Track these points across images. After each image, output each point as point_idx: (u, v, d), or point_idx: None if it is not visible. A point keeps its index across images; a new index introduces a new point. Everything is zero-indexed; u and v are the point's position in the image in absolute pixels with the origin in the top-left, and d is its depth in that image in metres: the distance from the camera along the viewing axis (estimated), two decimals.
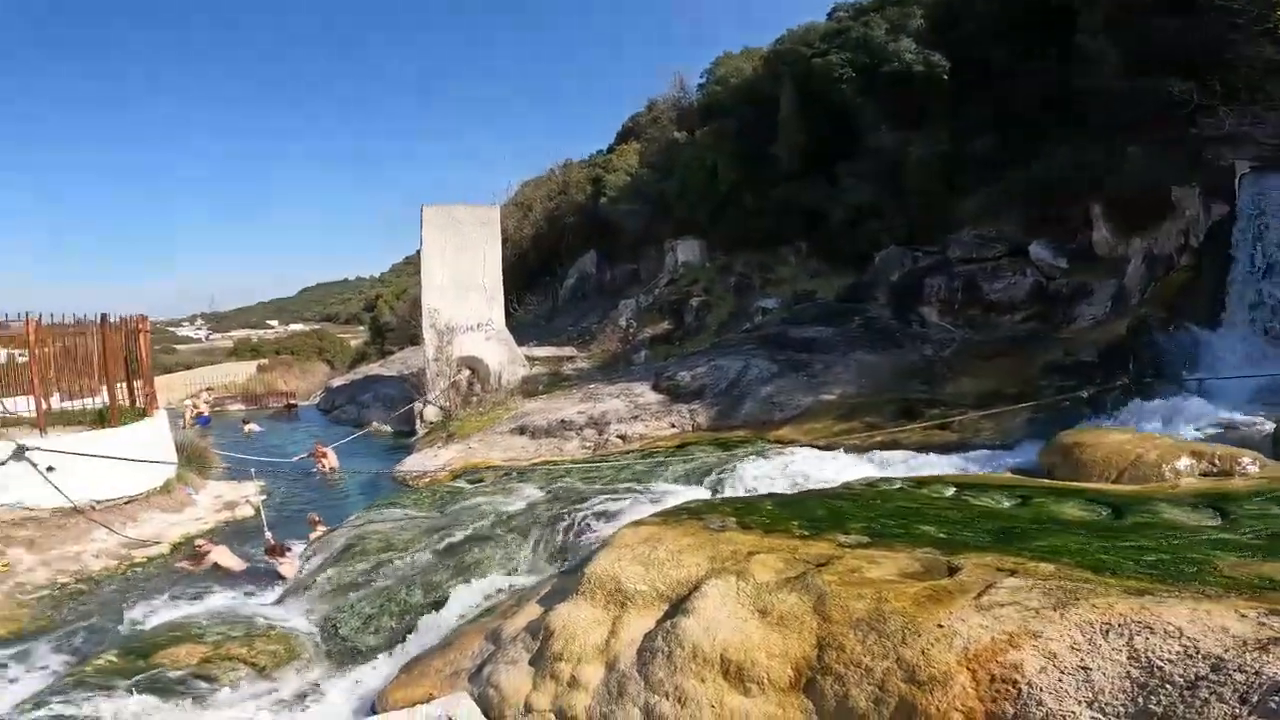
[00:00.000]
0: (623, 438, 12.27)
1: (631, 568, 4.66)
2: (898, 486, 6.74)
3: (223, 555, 7.95)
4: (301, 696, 5.18)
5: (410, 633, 5.86)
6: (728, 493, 8.23)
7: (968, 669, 2.97)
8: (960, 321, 14.24)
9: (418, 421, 15.71)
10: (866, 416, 10.56)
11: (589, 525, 7.21)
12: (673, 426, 12.52)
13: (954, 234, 15.55)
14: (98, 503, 8.91)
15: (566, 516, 7.53)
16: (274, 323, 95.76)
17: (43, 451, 8.50)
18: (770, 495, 6.95)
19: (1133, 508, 5.29)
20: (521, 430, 12.90)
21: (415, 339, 20.11)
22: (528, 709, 4.18)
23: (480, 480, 10.65)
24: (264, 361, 35.80)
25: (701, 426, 12.35)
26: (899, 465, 8.69)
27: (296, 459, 13.16)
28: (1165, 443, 7.19)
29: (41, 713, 4.70)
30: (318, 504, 10.72)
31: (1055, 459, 7.57)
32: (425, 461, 12.41)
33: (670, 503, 7.17)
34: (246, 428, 18.27)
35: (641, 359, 17.88)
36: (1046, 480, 6.91)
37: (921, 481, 6.91)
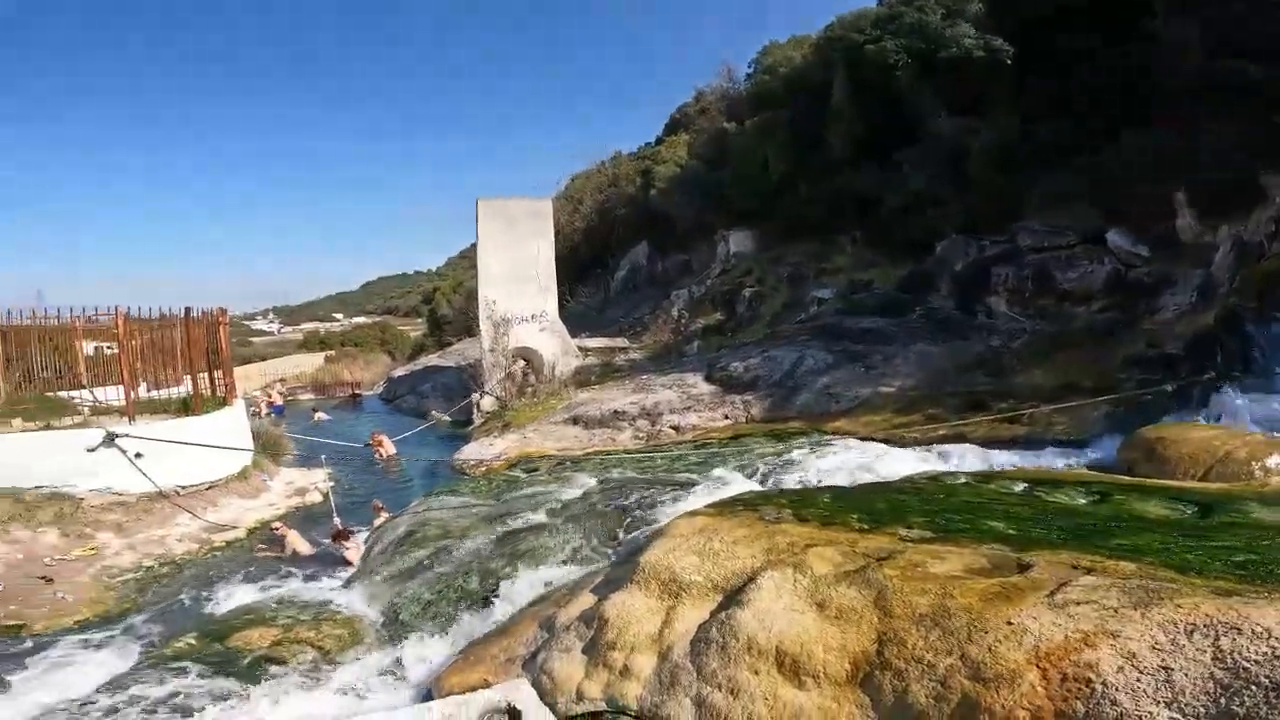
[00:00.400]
0: (675, 428, 12.25)
1: (686, 558, 4.65)
2: (963, 481, 6.51)
3: (295, 540, 8.32)
4: (363, 680, 5.31)
5: (468, 619, 5.96)
6: (782, 484, 8.11)
7: (1038, 667, 2.89)
8: (1031, 312, 13.60)
9: (474, 411, 16.08)
10: (928, 409, 10.23)
11: (642, 515, 7.20)
12: (726, 417, 12.43)
13: (1021, 222, 14.87)
14: (181, 488, 9.41)
15: (620, 506, 7.55)
16: (339, 315, 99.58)
17: (131, 438, 9.01)
18: (827, 487, 6.82)
19: (1220, 506, 5.01)
20: (575, 420, 13.03)
21: (472, 330, 20.61)
22: (579, 696, 4.22)
23: (535, 469, 10.80)
24: (331, 353, 37.32)
25: (755, 418, 12.21)
26: (964, 459, 8.40)
27: (364, 445, 13.65)
28: (1256, 439, 6.77)
29: (121, 695, 4.90)
30: (380, 491, 11.08)
31: (1136, 455, 7.20)
32: (482, 450, 12.66)
33: (724, 494, 7.11)
34: (316, 416, 19.11)
35: (694, 350, 17.79)
36: (1126, 477, 6.57)
37: (989, 476, 6.66)
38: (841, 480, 7.86)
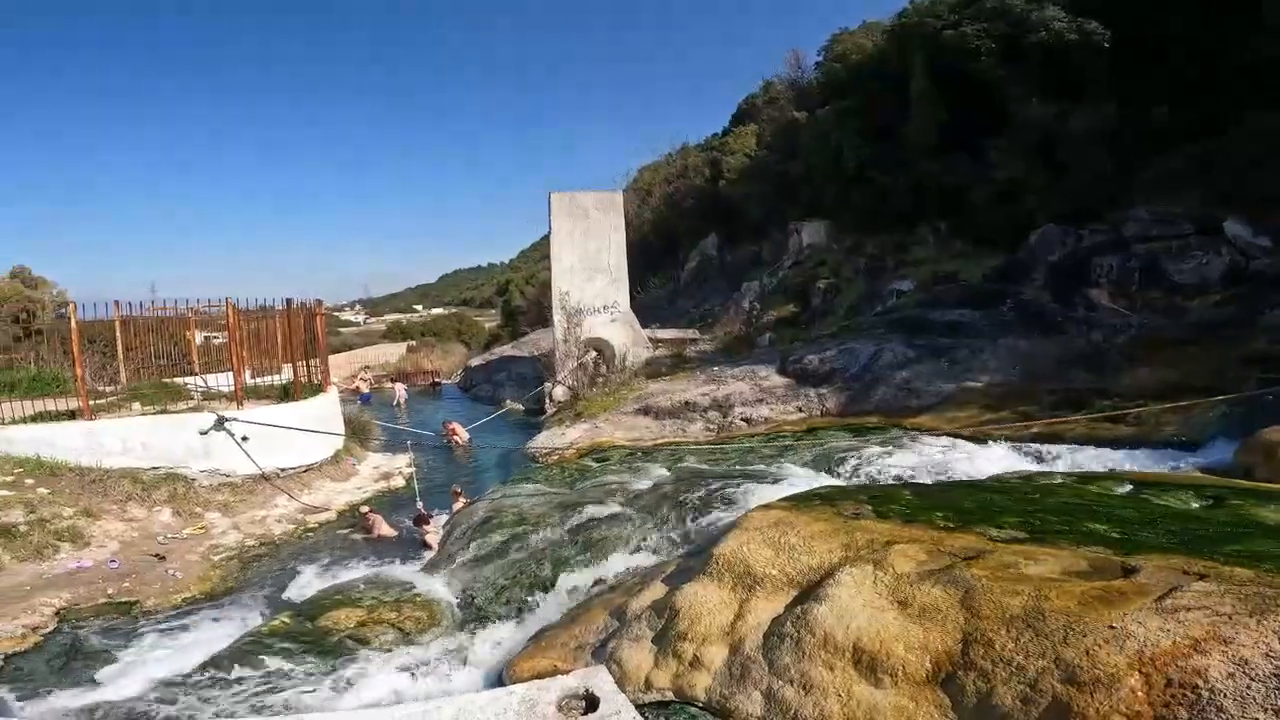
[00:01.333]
0: (747, 420, 12.11)
1: (761, 551, 4.59)
2: (1059, 481, 6.15)
3: (381, 523, 8.70)
4: (439, 662, 5.49)
5: (539, 605, 6.10)
6: (860, 480, 7.89)
7: (1140, 672, 2.80)
8: (1137, 305, 12.64)
9: (547, 400, 16.41)
10: (1020, 406, 9.66)
11: (714, 507, 7.15)
12: (799, 411, 12.18)
13: (1126, 210, 13.84)
14: (281, 471, 9.92)
15: (691, 497, 7.51)
16: (419, 307, 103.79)
17: (239, 423, 9.54)
18: (908, 484, 6.59)
19: None
20: (646, 411, 13.08)
21: (545, 321, 21.02)
22: (648, 686, 4.25)
23: (606, 459, 10.89)
24: (412, 343, 38.87)
25: (830, 411, 11.91)
26: (1061, 459, 7.91)
27: (437, 434, 14.18)
28: None
29: (220, 673, 5.20)
30: (458, 477, 11.46)
31: (1255, 458, 6.65)
32: (554, 439, 12.89)
33: (799, 488, 6.98)
34: (399, 402, 20.02)
35: (766, 342, 17.53)
36: (1244, 481, 6.06)
37: (1090, 477, 6.25)
38: (923, 477, 7.58)
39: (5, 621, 5.97)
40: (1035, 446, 8.34)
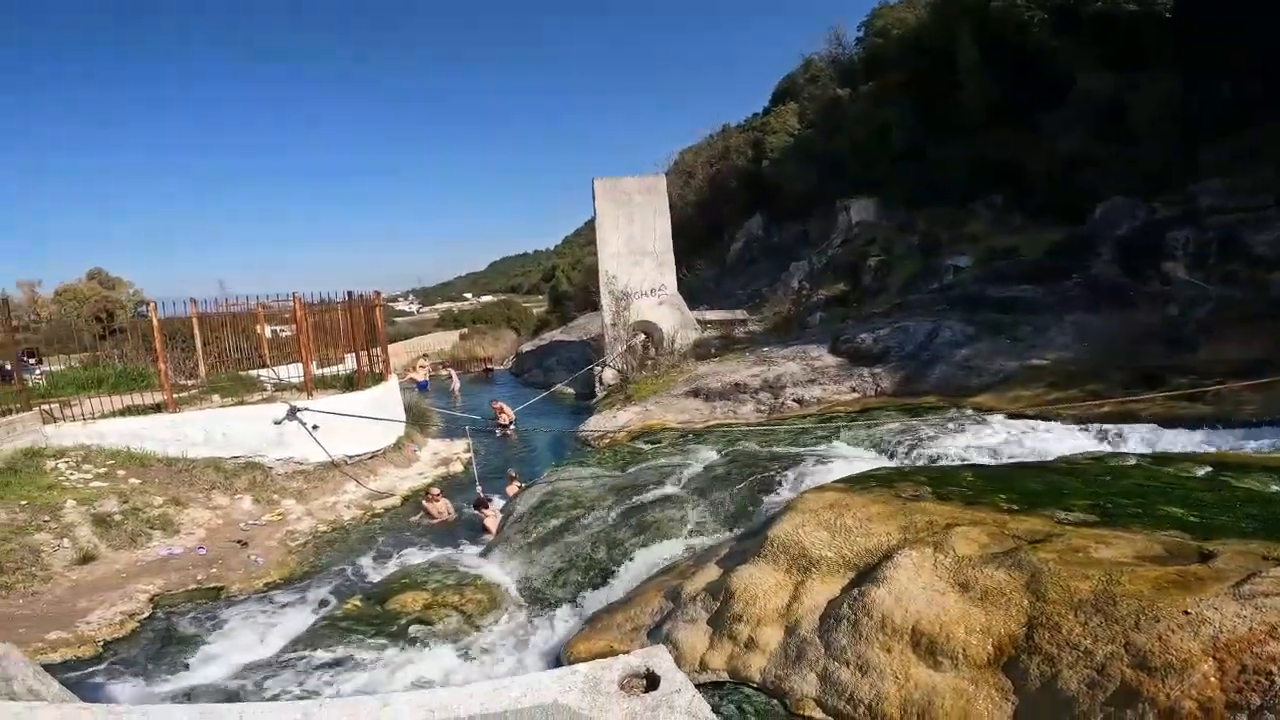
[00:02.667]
0: (799, 401, 11.98)
1: (816, 533, 4.60)
2: (1132, 463, 5.90)
3: (445, 507, 8.99)
4: (500, 644, 5.67)
5: (595, 588, 6.22)
6: (918, 461, 7.73)
7: (1214, 658, 2.76)
8: (1215, 279, 11.89)
9: (597, 384, 16.59)
10: (1089, 385, 9.21)
11: (768, 489, 7.16)
12: (853, 391, 11.98)
13: (1197, 183, 13.07)
14: (348, 458, 10.28)
15: (744, 479, 7.53)
16: (469, 295, 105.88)
17: (310, 412, 9.92)
18: (969, 465, 6.43)
19: None
20: (696, 393, 13.08)
21: (593, 305, 21.19)
22: (703, 666, 4.33)
23: (658, 441, 10.95)
24: (464, 330, 39.78)
25: (885, 391, 11.67)
26: (1134, 440, 7.54)
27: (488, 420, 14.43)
28: None
29: (300, 656, 5.43)
30: (514, 461, 11.70)
31: None
32: (605, 422, 13.03)
33: (854, 469, 6.91)
34: (454, 388, 20.56)
35: (816, 321, 17.24)
36: None
37: (1165, 458, 5.98)
38: (985, 459, 7.38)
39: (105, 609, 6.37)
40: (1106, 426, 7.97)
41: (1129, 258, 13.19)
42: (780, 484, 7.15)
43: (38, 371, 12.14)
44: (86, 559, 7.18)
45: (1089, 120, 15.13)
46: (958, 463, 7.25)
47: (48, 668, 3.79)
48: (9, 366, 10.45)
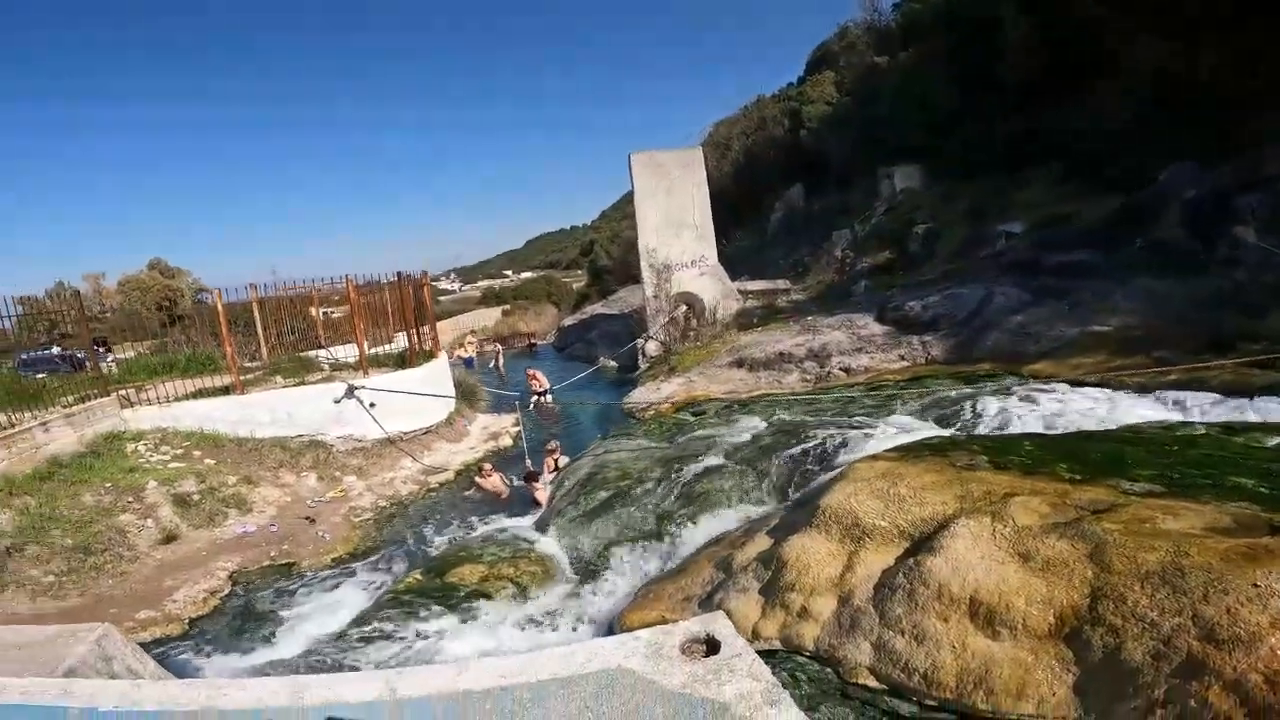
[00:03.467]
0: (846, 370, 11.83)
1: (869, 502, 4.60)
2: (1201, 432, 5.70)
3: (498, 481, 9.21)
4: (554, 614, 5.79)
5: (645, 559, 6.32)
6: (974, 430, 7.57)
7: None
8: None
9: (640, 356, 16.66)
10: (1155, 351, 8.83)
11: (817, 459, 7.13)
12: (902, 359, 11.75)
13: (1262, 147, 12.23)
14: (403, 434, 10.53)
15: (792, 449, 7.51)
16: (509, 272, 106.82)
17: (367, 390, 10.22)
18: (1027, 434, 6.29)
19: None
20: (739, 363, 13.03)
21: (633, 278, 21.18)
22: (755, 636, 4.39)
23: (703, 412, 10.99)
24: (507, 307, 40.29)
25: (936, 359, 11.41)
26: (1203, 408, 7.20)
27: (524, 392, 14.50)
28: None
29: (368, 629, 5.64)
30: (559, 435, 11.78)
31: None
32: (649, 394, 13.07)
33: (906, 438, 6.83)
34: (498, 365, 20.94)
35: (861, 289, 16.90)
36: None
37: (1235, 427, 5.74)
38: (1044, 427, 7.18)
39: (189, 587, 6.68)
40: (1173, 394, 7.62)
41: (1196, 222, 12.49)
42: (830, 453, 7.10)
43: (110, 359, 12.78)
44: (169, 538, 7.50)
45: (1144, 87, 14.45)
46: (1015, 431, 7.08)
47: (140, 646, 4.06)
48: (82, 355, 11.02)
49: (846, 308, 14.87)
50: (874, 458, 5.53)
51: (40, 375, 11.12)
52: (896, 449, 5.87)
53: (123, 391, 9.90)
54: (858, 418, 8.51)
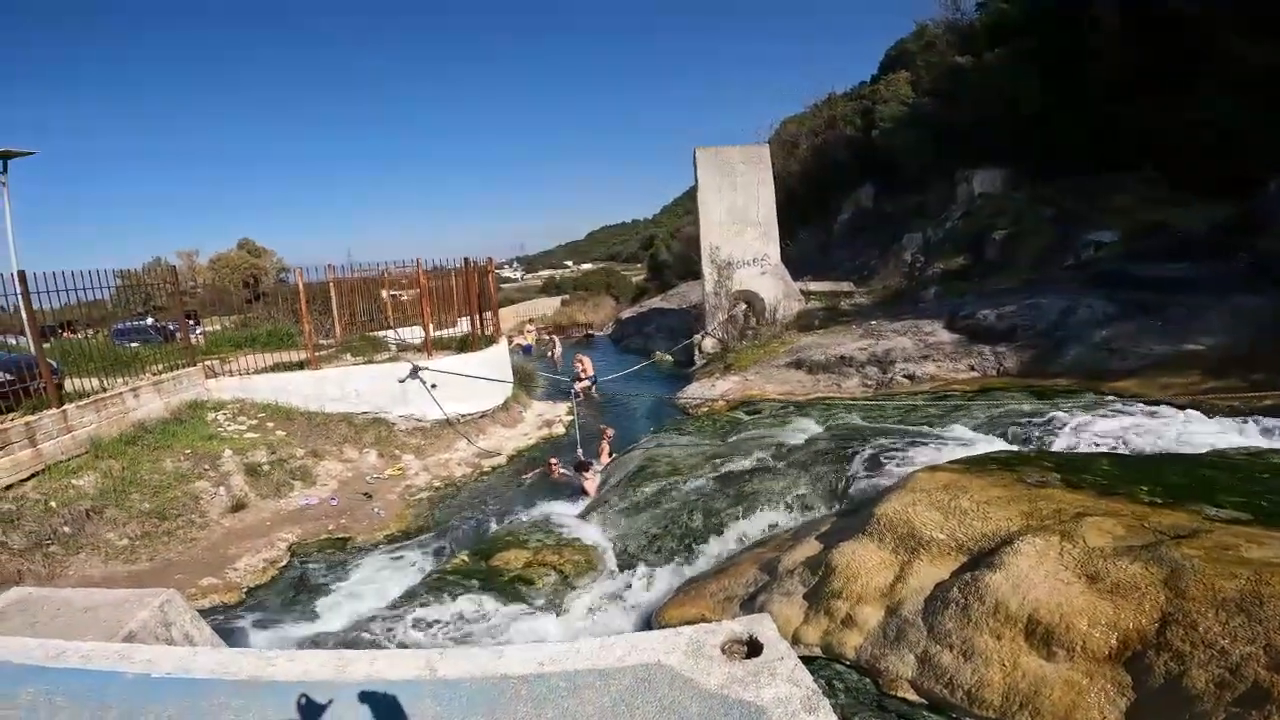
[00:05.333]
0: (910, 377, 11.42)
1: (927, 514, 4.43)
2: None
3: (556, 468, 9.29)
4: (593, 604, 5.79)
5: (689, 555, 6.26)
6: (1047, 446, 7.17)
7: None
8: None
9: (696, 352, 16.59)
10: (1252, 374, 8.19)
11: (874, 466, 6.91)
12: (972, 369, 11.26)
13: None
14: (460, 416, 10.80)
15: (848, 455, 7.31)
16: (569, 263, 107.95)
17: (430, 371, 10.50)
18: (1106, 454, 5.92)
19: None
20: (798, 364, 12.79)
21: (693, 274, 21.07)
22: (795, 641, 4.31)
23: (758, 412, 10.82)
24: (566, 297, 40.76)
25: (1009, 371, 10.88)
26: None
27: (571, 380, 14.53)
28: None
29: (412, 608, 5.75)
30: (614, 424, 11.80)
31: None
32: (704, 391, 12.98)
33: (971, 451, 6.55)
34: (555, 354, 21.17)
35: (930, 295, 16.30)
36: None
37: None
38: (1124, 447, 6.75)
39: (251, 556, 6.94)
40: (1270, 421, 7.03)
41: None
42: (887, 461, 6.88)
43: (198, 332, 13.59)
44: (238, 506, 7.83)
45: (1253, 87, 13.33)
46: (1092, 450, 6.67)
47: (199, 612, 4.14)
48: (173, 327, 11.75)
49: (914, 313, 14.36)
50: (935, 468, 5.32)
51: (134, 344, 11.91)
52: (961, 461, 5.63)
53: (208, 362, 10.48)
54: (920, 427, 8.22)
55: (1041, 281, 13.57)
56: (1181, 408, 7.78)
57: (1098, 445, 6.92)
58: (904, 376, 11.45)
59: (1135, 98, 15.69)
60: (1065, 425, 7.58)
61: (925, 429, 8.03)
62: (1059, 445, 7.12)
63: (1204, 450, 5.98)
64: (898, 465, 6.62)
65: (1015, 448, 7.04)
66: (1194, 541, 3.50)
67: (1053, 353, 10.69)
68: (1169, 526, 3.69)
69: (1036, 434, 7.54)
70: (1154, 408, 7.93)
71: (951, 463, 5.59)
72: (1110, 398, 8.62)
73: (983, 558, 3.95)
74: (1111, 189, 16.07)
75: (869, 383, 11.66)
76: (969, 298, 14.12)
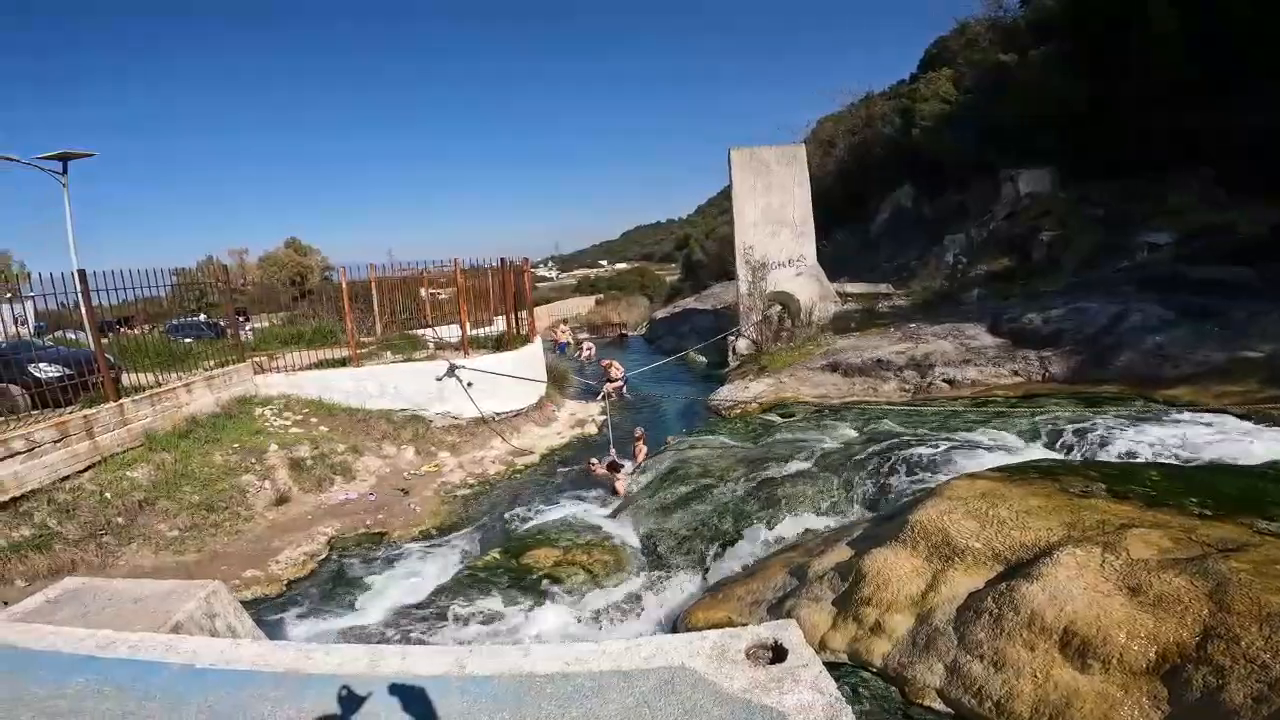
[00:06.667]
0: (950, 382, 11.15)
1: (964, 522, 4.34)
2: None
3: (596, 467, 9.32)
4: (621, 605, 5.79)
5: (718, 558, 6.23)
6: (1094, 455, 6.95)
7: None
8: None
9: (730, 354, 16.47)
10: None
11: (910, 472, 6.79)
12: (1015, 374, 10.94)
13: None
14: (495, 415, 10.92)
15: (883, 460, 7.19)
16: (604, 262, 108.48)
17: (466, 370, 10.63)
18: (1156, 464, 5.71)
19: None
20: (833, 367, 12.61)
21: (727, 274, 20.95)
22: (822, 646, 4.27)
23: (791, 415, 10.71)
24: (600, 296, 40.99)
25: (1054, 377, 10.53)
26: None
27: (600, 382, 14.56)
28: None
29: (444, 603, 5.85)
30: (644, 425, 11.78)
31: None
32: (737, 392, 12.85)
33: (1013, 459, 6.38)
34: (585, 354, 21.26)
35: (973, 298, 15.88)
36: None
37: None
38: (1176, 457, 6.50)
39: (292, 549, 7.13)
40: None
41: None
42: (924, 468, 6.75)
43: (247, 329, 14.05)
44: (281, 500, 8.05)
45: None
46: (1141, 460, 6.43)
47: (241, 604, 4.28)
48: (224, 323, 12.17)
49: (955, 316, 14.02)
50: (974, 476, 5.20)
51: (187, 340, 12.40)
52: (1001, 469, 5.49)
53: (256, 359, 10.81)
54: (959, 433, 8.01)
55: (1090, 284, 13.12)
56: (1238, 417, 7.44)
57: (1147, 455, 6.67)
58: (944, 381, 11.19)
59: (1192, 96, 15.04)
60: (1113, 433, 7.30)
61: (965, 435, 7.83)
62: (1106, 454, 6.88)
63: (1260, 462, 5.70)
64: (934, 472, 6.49)
65: (1059, 456, 6.84)
66: (1242, 555, 3.38)
67: (1102, 358, 10.32)
68: (1217, 539, 3.56)
69: (1082, 442, 7.29)
70: (1208, 416, 7.61)
71: (991, 470, 5.45)
72: (1162, 406, 8.30)
73: (1020, 568, 3.86)
74: (1165, 189, 15.45)
75: (907, 387, 11.42)
76: (1014, 301, 13.73)
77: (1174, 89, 15.43)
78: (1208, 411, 7.79)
